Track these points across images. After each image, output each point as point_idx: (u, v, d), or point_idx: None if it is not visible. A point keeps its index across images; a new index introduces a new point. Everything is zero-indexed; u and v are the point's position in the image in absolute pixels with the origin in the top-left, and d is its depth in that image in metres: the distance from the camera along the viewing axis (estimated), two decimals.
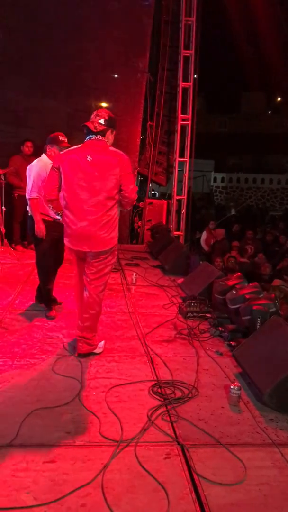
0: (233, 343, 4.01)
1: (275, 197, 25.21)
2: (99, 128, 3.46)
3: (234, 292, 4.37)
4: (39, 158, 4.61)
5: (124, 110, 9.26)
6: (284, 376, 2.95)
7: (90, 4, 8.71)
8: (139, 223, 10.37)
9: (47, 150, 4.59)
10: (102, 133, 3.47)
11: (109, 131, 3.54)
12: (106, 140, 3.51)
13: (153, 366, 3.61)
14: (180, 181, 10.07)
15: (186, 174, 9.84)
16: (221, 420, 2.89)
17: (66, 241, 3.61)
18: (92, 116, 3.56)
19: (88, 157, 3.40)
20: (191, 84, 9.51)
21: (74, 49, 8.72)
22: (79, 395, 3.07)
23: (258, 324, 3.77)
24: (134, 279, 6.14)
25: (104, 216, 3.42)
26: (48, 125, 7.68)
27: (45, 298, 4.73)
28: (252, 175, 25.51)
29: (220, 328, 4.36)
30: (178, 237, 9.72)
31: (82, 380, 3.29)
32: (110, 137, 3.56)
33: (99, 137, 3.46)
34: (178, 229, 10.04)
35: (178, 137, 9.67)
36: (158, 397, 3.11)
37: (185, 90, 9.55)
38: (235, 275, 4.87)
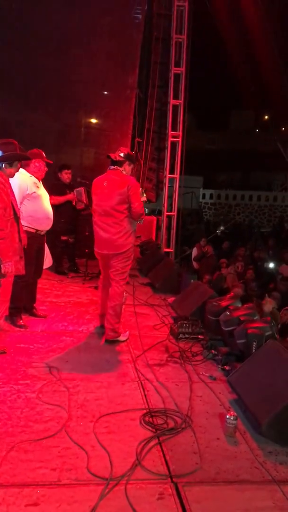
0: (227, 368, 3.85)
1: (263, 214, 25.28)
2: (118, 158, 4.34)
3: (228, 313, 4.22)
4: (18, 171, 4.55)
5: (113, 126, 9.18)
6: (283, 406, 2.79)
7: (81, 16, 8.59)
8: None
9: (31, 164, 4.68)
10: (120, 163, 4.35)
11: (126, 163, 4.39)
12: (122, 169, 4.36)
13: (144, 393, 3.43)
14: (169, 197, 9.98)
15: (177, 190, 9.76)
16: (217, 454, 2.71)
17: (94, 247, 4.48)
18: (117, 151, 4.43)
19: (105, 183, 4.32)
20: (181, 101, 9.49)
21: (65, 63, 8.59)
22: (65, 425, 2.88)
23: (254, 348, 3.62)
24: (124, 298, 5.94)
25: (116, 226, 4.27)
26: (36, 139, 7.53)
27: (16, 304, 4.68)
28: (240, 192, 25.54)
29: (213, 351, 4.20)
30: (168, 253, 9.59)
31: (69, 408, 3.10)
32: (127, 168, 4.42)
33: (116, 167, 4.34)
34: (168, 246, 9.91)
35: (168, 154, 9.61)
36: (150, 428, 2.93)
37: (175, 107, 9.52)
38: (228, 296, 4.73)
